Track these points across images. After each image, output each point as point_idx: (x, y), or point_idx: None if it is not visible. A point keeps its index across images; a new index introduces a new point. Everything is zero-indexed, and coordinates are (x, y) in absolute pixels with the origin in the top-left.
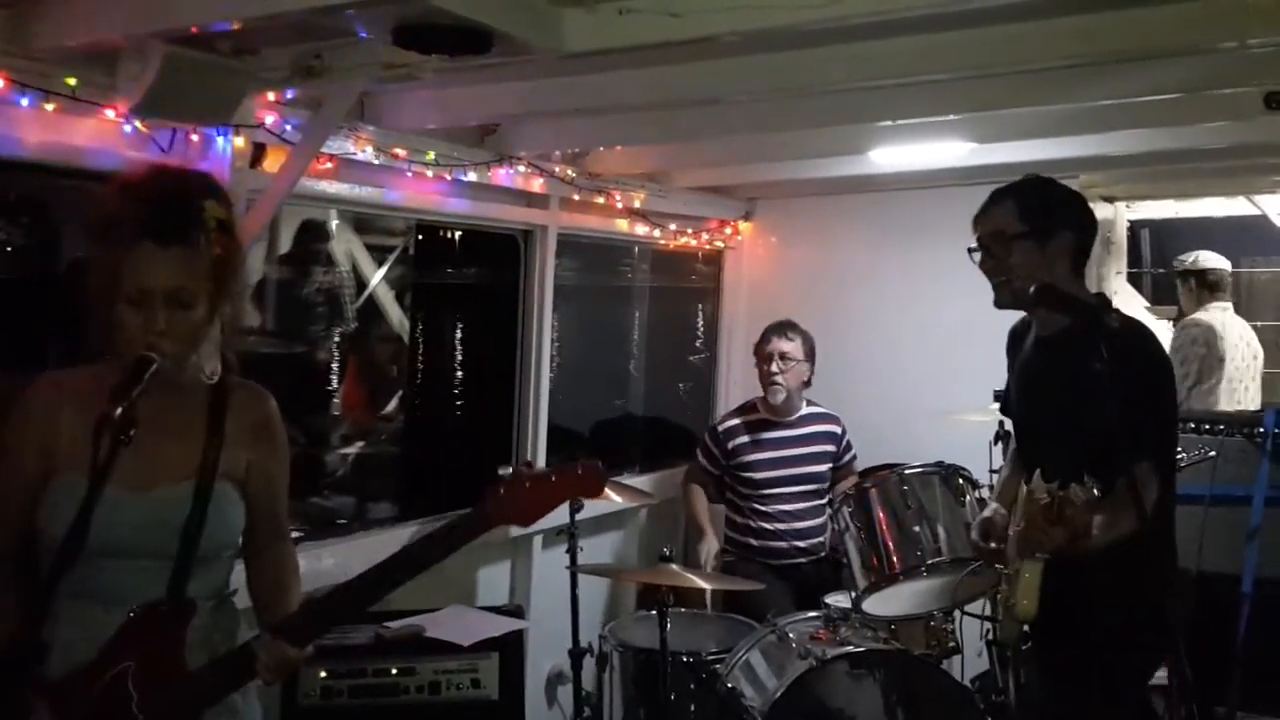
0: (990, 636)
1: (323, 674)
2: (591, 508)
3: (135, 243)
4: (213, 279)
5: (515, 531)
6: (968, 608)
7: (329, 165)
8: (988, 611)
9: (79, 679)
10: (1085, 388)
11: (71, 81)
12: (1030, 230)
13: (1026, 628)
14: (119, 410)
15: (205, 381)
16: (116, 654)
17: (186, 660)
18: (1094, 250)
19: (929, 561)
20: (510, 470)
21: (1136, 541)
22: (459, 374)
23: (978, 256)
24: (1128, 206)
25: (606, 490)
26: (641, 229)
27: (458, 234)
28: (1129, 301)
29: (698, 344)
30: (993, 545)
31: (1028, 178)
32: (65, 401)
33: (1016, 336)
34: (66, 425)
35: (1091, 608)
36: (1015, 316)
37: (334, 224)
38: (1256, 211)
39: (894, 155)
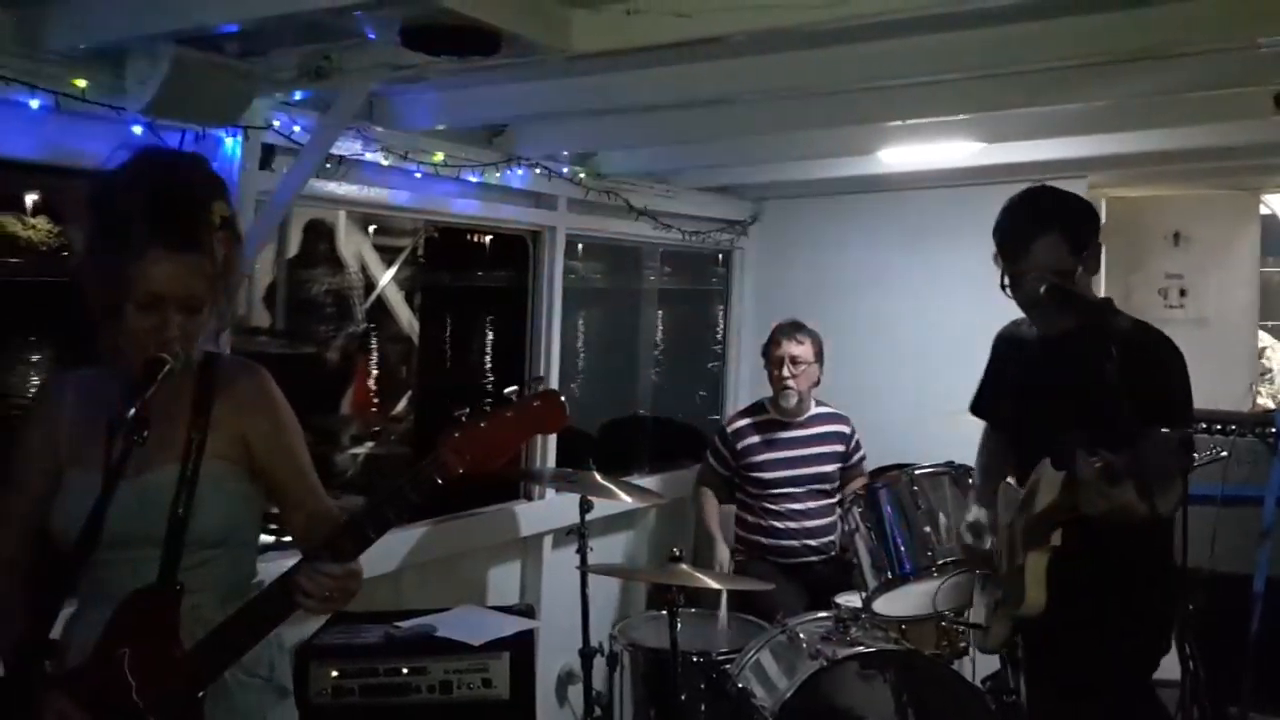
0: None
1: (334, 673)
2: (601, 508)
3: (145, 248)
4: (220, 279)
5: (525, 531)
6: (954, 614)
7: (337, 166)
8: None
9: (81, 670)
10: (1096, 386)
11: (80, 83)
12: (1083, 264)
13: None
14: (133, 411)
15: (194, 364)
16: (111, 642)
17: (182, 642)
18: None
19: (939, 561)
20: (466, 412)
21: (1141, 535)
22: (469, 374)
23: (1042, 287)
24: None
25: (616, 490)
26: (649, 230)
27: (467, 235)
28: None
29: (706, 344)
30: (987, 545)
31: (1059, 200)
32: (72, 401)
33: (1009, 339)
34: (72, 424)
35: (1097, 600)
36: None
37: (342, 225)
38: (1266, 211)
39: (903, 155)
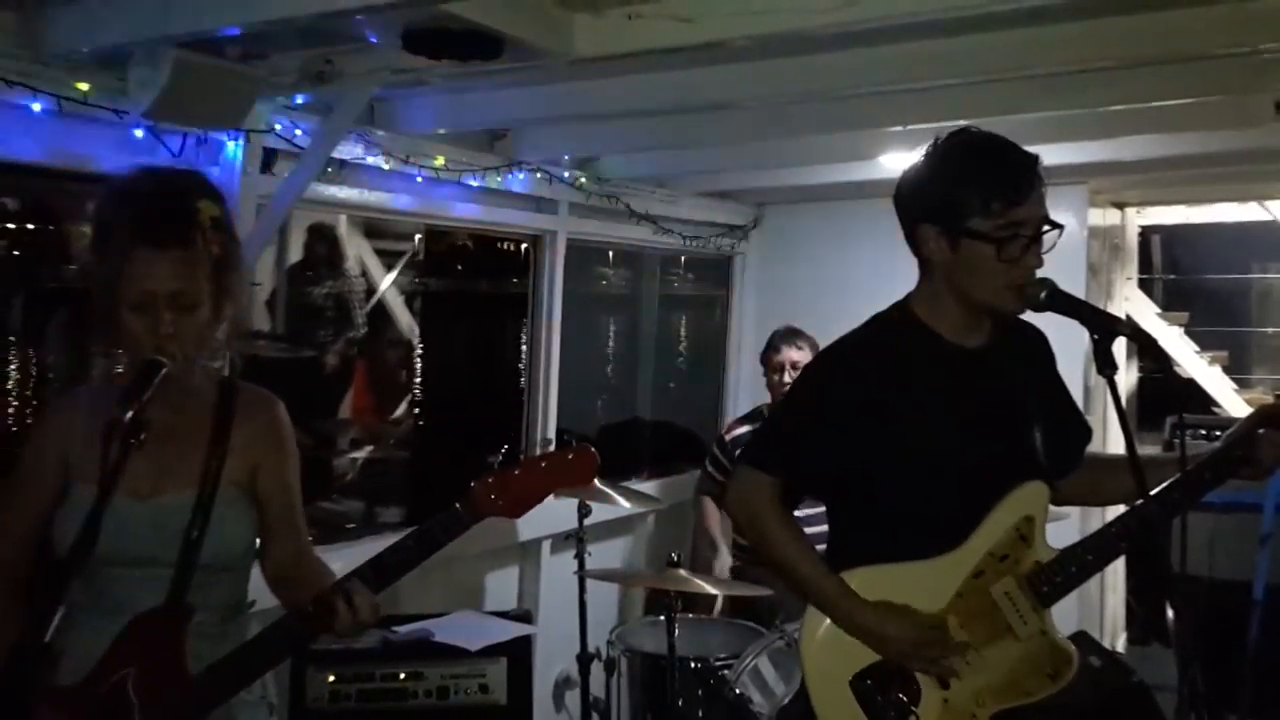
0: None
1: (330, 678)
2: (600, 513)
3: (132, 248)
4: (213, 278)
5: (523, 536)
6: None
7: (339, 170)
8: None
9: (82, 687)
10: (1059, 389)
11: (83, 86)
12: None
13: None
14: (128, 414)
15: (211, 385)
16: (116, 661)
17: (188, 666)
18: (1103, 256)
19: None
20: (500, 459)
21: None
22: (468, 378)
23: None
24: (1138, 212)
25: (614, 495)
26: (650, 234)
27: (468, 239)
28: (1139, 308)
29: (706, 349)
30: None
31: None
32: (83, 414)
33: (873, 364)
34: (81, 437)
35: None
36: None
37: (343, 229)
38: (1268, 217)
39: (904, 160)
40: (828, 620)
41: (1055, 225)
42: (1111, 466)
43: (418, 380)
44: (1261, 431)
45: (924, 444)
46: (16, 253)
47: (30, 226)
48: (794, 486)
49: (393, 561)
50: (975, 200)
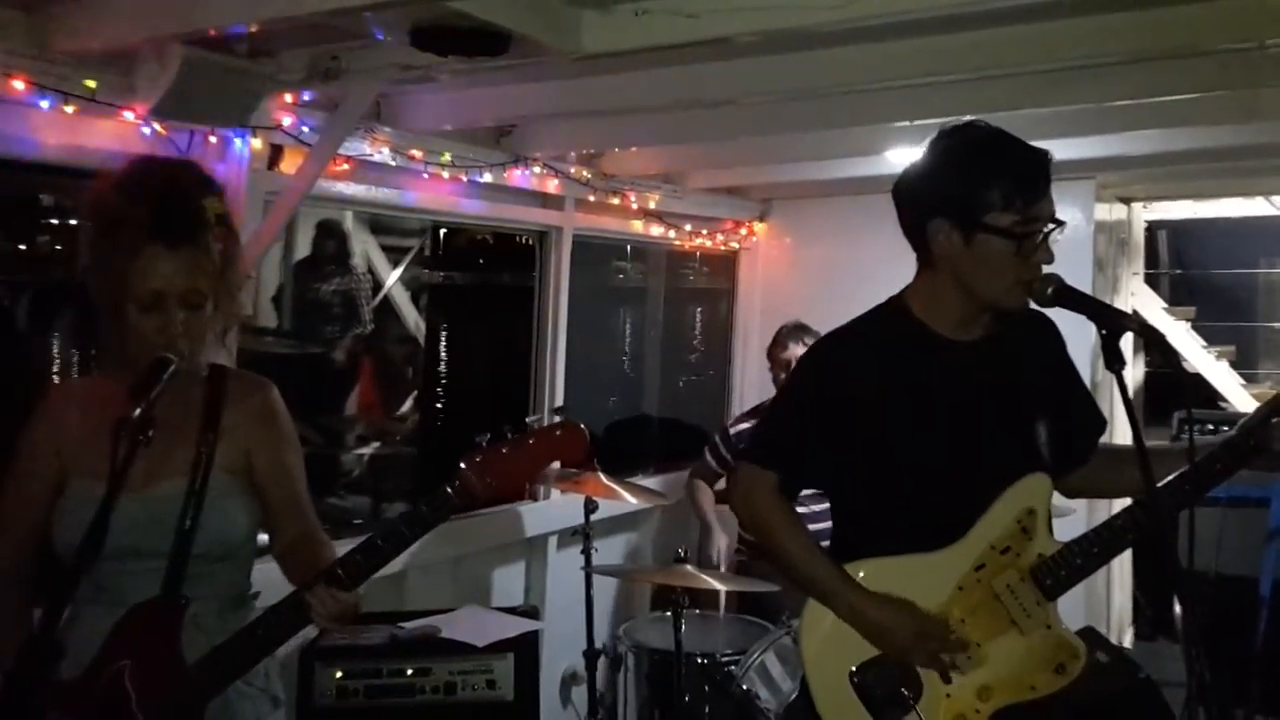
0: None
1: (338, 674)
2: (606, 509)
3: (143, 246)
4: (218, 275)
5: (530, 532)
6: None
7: (346, 166)
8: None
9: (81, 680)
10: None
11: (90, 84)
12: None
13: None
14: (138, 411)
15: (202, 374)
16: (113, 654)
17: (184, 656)
18: (1109, 251)
19: None
20: (486, 438)
21: None
22: (474, 374)
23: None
24: (1145, 207)
25: (621, 491)
26: (656, 230)
27: (485, 233)
28: (1146, 303)
29: (712, 345)
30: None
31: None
32: (77, 408)
33: (864, 356)
34: (78, 431)
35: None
36: None
37: (350, 225)
38: (1275, 211)
39: (910, 155)
40: (829, 615)
41: (1059, 223)
42: (1123, 458)
43: (434, 375)
44: (1275, 420)
45: (915, 437)
46: (23, 248)
47: (41, 223)
48: (794, 480)
49: (384, 546)
50: (997, 195)
